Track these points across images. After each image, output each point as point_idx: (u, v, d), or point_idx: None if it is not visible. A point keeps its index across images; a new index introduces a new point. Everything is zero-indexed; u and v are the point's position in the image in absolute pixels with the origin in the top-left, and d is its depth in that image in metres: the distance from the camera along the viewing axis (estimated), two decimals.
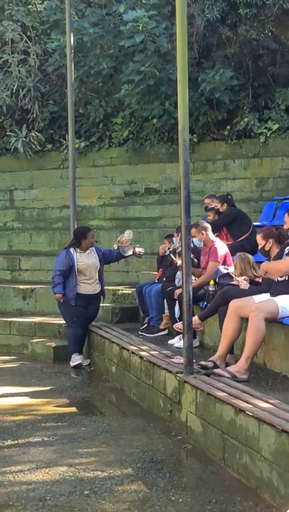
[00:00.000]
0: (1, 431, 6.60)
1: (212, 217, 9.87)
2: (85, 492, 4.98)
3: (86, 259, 9.52)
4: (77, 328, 9.50)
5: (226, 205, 9.86)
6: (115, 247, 9.97)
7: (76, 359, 9.42)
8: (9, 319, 11.34)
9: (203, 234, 8.30)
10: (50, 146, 14.41)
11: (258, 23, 12.24)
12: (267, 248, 6.94)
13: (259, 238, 7.01)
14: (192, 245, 8.13)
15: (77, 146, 13.17)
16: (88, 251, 9.58)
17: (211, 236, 8.33)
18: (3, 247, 14.03)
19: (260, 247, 7.05)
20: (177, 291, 8.03)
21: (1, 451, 5.99)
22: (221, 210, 9.86)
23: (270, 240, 6.91)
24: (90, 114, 13.87)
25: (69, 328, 9.62)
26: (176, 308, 8.29)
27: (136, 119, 13.45)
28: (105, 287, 9.86)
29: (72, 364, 9.39)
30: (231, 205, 9.98)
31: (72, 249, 9.54)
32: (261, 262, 7.09)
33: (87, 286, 9.50)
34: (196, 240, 8.61)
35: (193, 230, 8.19)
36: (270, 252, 6.92)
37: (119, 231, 13.07)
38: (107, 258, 9.84)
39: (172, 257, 8.66)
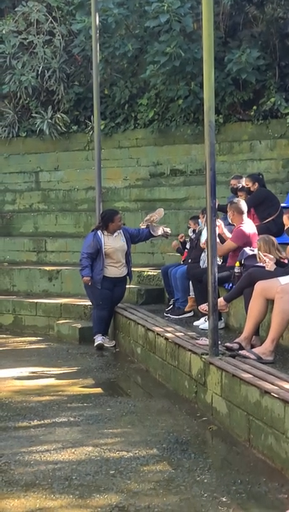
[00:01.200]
0: (28, 411, 6.67)
1: (244, 197, 9.73)
2: (111, 472, 5.02)
3: (113, 243, 9.51)
4: (102, 310, 9.52)
5: (257, 184, 9.77)
6: (142, 226, 9.90)
7: (98, 339, 9.45)
8: (35, 300, 11.41)
9: (233, 214, 8.30)
10: (75, 127, 14.38)
11: (285, 1, 12.08)
12: None
13: (285, 219, 6.97)
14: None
15: (102, 127, 13.13)
16: (116, 233, 9.57)
17: (244, 218, 8.30)
18: (29, 228, 14.07)
19: (286, 227, 7.01)
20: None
21: (27, 431, 6.05)
22: (251, 189, 9.77)
23: None
24: (115, 95, 13.81)
25: (94, 310, 9.66)
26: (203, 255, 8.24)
27: (161, 99, 13.37)
28: (132, 269, 9.86)
29: (94, 344, 9.43)
30: (262, 185, 9.88)
31: (99, 232, 9.53)
32: (287, 244, 7.05)
33: (114, 270, 9.50)
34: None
35: (228, 206, 8.27)
36: None
37: (145, 212, 13.04)
38: (135, 238, 9.81)
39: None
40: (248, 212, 9.47)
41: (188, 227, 9.97)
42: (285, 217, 7.05)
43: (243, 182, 10.14)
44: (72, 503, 4.52)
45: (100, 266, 9.41)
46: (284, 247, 7.28)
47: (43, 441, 5.74)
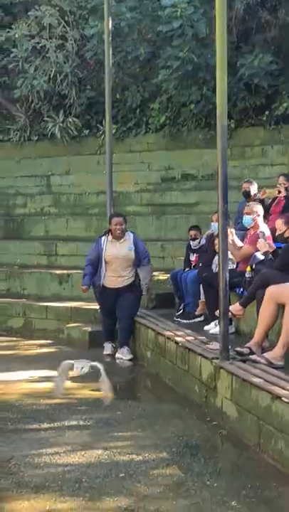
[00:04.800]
0: (38, 414, 6.67)
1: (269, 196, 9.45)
2: (120, 475, 5.01)
3: (115, 250, 9.28)
4: (104, 317, 9.50)
5: None
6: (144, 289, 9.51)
7: (107, 348, 9.38)
8: (46, 304, 11.41)
9: (258, 215, 8.30)
10: (87, 131, 14.42)
11: None
12: (287, 235, 6.98)
13: (279, 223, 7.06)
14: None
15: (114, 131, 13.15)
16: (122, 240, 9.40)
17: (260, 221, 8.29)
18: (40, 232, 14.10)
19: (278, 232, 7.09)
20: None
21: (37, 434, 6.05)
22: None
23: None
24: (127, 100, 13.83)
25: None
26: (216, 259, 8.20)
27: (173, 104, 13.38)
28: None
29: (104, 352, 9.37)
30: None
31: (104, 238, 9.41)
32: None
33: (113, 280, 9.29)
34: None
35: (249, 209, 8.32)
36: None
37: (156, 217, 13.09)
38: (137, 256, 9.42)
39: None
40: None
41: (192, 238, 9.83)
42: (278, 221, 7.11)
43: (256, 187, 10.12)
44: (81, 506, 4.52)
45: (99, 273, 9.30)
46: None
47: (53, 444, 5.74)
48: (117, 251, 9.32)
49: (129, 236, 9.47)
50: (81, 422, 6.38)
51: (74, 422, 6.38)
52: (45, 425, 6.30)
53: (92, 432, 6.10)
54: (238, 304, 7.16)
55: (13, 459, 5.37)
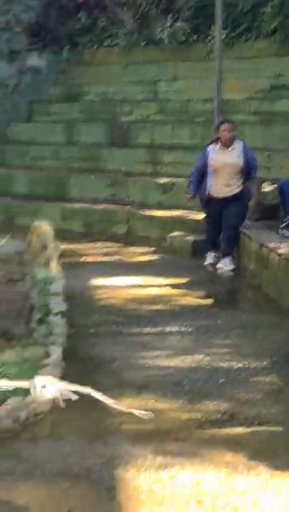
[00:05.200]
0: (140, 319, 6.83)
1: None
2: (220, 380, 5.11)
3: (223, 157, 9.11)
4: (209, 226, 9.43)
5: None
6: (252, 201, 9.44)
7: (209, 257, 9.29)
8: (149, 212, 11.48)
9: None
10: (195, 36, 14.02)
11: None
12: None
13: None
14: None
15: (223, 36, 12.75)
16: (231, 148, 9.23)
17: None
18: (145, 139, 14.03)
19: None
20: None
21: (140, 337, 6.22)
22: None
23: None
24: (237, 3, 13.32)
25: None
26: None
27: (286, 8, 12.79)
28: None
29: (205, 262, 9.32)
30: None
31: (212, 146, 9.26)
32: None
33: (221, 188, 9.15)
34: None
35: None
36: None
37: (264, 126, 12.74)
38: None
39: None
40: None
41: None
42: None
43: None
44: (182, 408, 4.65)
45: (205, 182, 9.19)
46: None
47: (155, 348, 5.89)
48: (225, 158, 9.16)
49: (239, 144, 9.30)
50: (182, 328, 6.49)
51: (175, 328, 6.50)
52: (148, 330, 6.46)
53: (193, 337, 6.21)
54: None
55: (116, 360, 5.55)
